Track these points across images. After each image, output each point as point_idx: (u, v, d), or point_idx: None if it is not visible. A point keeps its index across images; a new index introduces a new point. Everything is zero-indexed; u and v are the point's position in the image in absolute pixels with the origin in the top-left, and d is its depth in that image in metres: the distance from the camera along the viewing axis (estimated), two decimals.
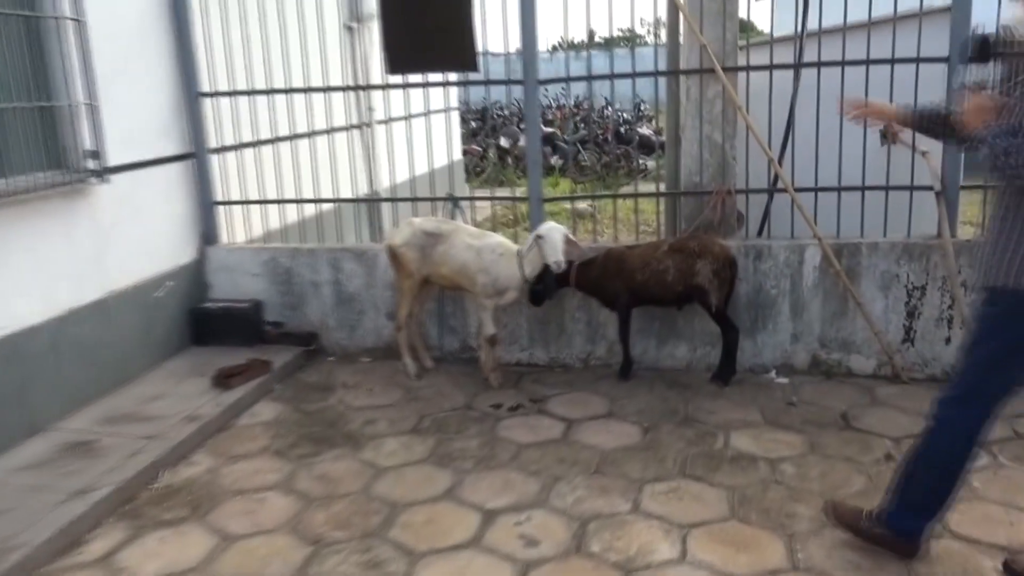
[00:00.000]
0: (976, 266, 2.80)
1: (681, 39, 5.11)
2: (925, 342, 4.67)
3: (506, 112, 18.06)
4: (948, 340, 4.63)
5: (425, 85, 5.09)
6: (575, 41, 34.05)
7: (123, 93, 4.78)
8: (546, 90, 14.73)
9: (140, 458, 3.89)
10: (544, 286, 4.63)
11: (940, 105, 3.05)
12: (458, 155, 10.52)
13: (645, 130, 14.88)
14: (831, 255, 4.60)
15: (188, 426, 4.25)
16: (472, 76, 5.24)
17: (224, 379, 4.69)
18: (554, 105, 10.94)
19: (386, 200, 5.54)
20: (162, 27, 5.14)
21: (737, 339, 4.68)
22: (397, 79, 5.21)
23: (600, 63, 5.08)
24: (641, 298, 4.70)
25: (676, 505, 3.48)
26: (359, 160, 5.56)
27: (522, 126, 16.04)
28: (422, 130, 5.38)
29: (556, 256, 4.35)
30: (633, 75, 4.92)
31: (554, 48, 26.30)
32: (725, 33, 4.82)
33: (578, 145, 14.14)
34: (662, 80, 5.27)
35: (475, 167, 13.43)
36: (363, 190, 6.76)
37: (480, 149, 13.99)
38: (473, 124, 15.67)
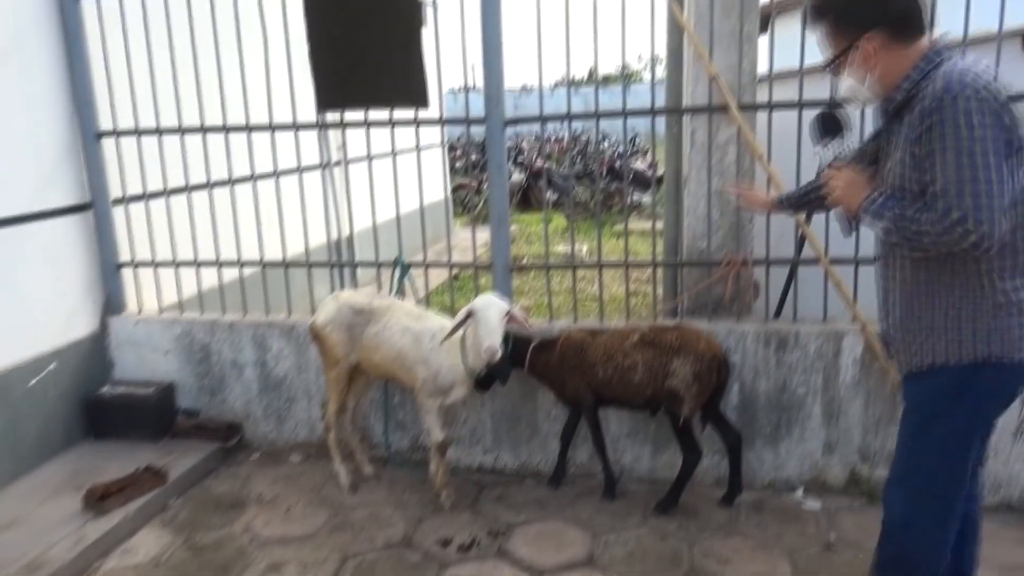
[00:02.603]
0: (900, 350, 2.41)
1: (685, 69, 4.11)
2: (998, 459, 3.61)
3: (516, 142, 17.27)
4: None
5: (367, 125, 4.11)
6: (575, 78, 32.88)
7: None
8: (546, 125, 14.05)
9: None
10: (494, 368, 3.57)
11: (808, 183, 2.82)
12: (439, 196, 9.60)
13: (640, 164, 14.19)
14: (877, 345, 3.58)
15: None
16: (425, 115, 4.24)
17: (97, 500, 3.67)
18: (552, 139, 10.31)
19: (321, 265, 4.54)
20: (46, 46, 4.20)
21: (739, 447, 3.69)
22: (350, 118, 4.25)
23: (604, 100, 4.05)
24: (604, 399, 3.73)
25: None
26: (311, 209, 4.53)
27: (521, 160, 15.21)
28: (391, 173, 4.30)
29: (491, 339, 3.28)
30: (624, 114, 3.93)
31: (555, 85, 25.96)
32: (741, 61, 3.83)
33: (573, 180, 13.42)
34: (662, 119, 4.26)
35: (465, 201, 12.91)
36: (315, 243, 5.72)
37: (475, 184, 13.33)
38: (475, 157, 14.95)
